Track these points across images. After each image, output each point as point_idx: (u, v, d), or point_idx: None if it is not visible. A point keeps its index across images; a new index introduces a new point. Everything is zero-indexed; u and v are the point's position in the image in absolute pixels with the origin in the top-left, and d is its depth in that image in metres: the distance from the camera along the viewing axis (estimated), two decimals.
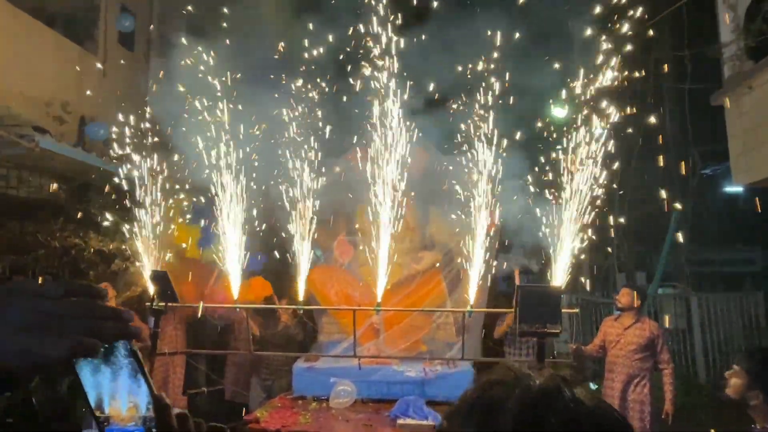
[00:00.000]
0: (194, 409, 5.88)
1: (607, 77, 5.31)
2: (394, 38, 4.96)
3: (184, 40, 5.79)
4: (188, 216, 5.98)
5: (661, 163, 9.44)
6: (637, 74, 6.44)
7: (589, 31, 6.52)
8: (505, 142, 4.94)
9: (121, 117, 5.80)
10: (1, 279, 6.27)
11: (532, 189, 5.29)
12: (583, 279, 9.40)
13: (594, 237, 4.55)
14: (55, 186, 6.95)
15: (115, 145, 5.56)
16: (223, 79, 5.38)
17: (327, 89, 5.92)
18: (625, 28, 6.03)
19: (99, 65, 8.26)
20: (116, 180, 5.36)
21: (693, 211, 11.94)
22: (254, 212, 5.20)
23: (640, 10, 6.02)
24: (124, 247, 6.20)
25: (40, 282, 0.57)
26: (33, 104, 6.96)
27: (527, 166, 5.32)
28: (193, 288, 6.03)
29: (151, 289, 4.35)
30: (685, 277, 11.22)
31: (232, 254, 5.04)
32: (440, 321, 5.92)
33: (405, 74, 5.07)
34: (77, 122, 7.72)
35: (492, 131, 4.75)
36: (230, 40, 5.90)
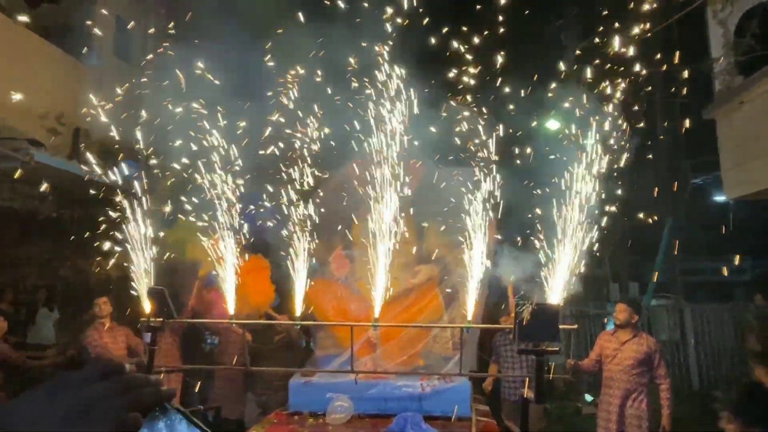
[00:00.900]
0: None
1: (602, 89, 5.39)
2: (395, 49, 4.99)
3: (177, 53, 5.80)
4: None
5: (654, 175, 9.57)
6: (630, 89, 6.54)
7: (581, 45, 6.62)
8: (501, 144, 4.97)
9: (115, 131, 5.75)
10: None
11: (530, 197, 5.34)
12: (577, 289, 9.45)
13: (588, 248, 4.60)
14: (50, 199, 6.91)
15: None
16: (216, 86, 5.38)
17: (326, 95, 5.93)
18: (617, 43, 6.14)
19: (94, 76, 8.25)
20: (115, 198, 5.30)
21: (685, 221, 12.08)
22: (245, 228, 5.15)
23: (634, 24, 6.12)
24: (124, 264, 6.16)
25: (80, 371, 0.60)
26: (28, 116, 6.93)
27: (525, 181, 5.36)
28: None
29: (147, 305, 4.32)
30: (677, 287, 11.32)
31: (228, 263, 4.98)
32: (437, 335, 5.92)
33: (403, 85, 5.10)
34: (72, 134, 7.69)
35: (491, 144, 4.78)
36: (226, 51, 5.92)
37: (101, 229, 6.36)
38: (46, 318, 7.31)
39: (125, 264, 4.91)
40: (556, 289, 3.91)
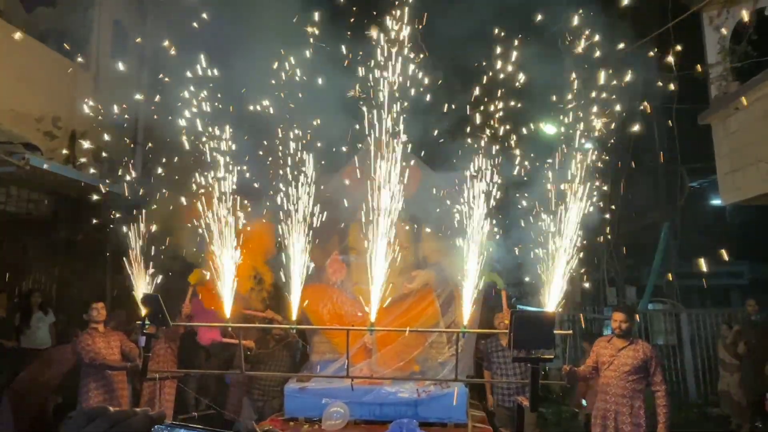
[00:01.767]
0: None
1: (601, 97, 5.41)
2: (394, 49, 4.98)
3: (176, 54, 5.80)
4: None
5: (651, 180, 9.59)
6: (628, 96, 6.57)
7: (579, 50, 6.64)
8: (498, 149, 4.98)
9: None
10: None
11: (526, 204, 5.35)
12: (573, 294, 9.46)
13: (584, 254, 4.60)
14: (45, 202, 6.89)
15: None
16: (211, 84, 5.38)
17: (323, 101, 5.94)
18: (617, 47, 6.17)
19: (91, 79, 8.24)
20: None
21: (681, 225, 12.10)
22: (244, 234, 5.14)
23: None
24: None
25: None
26: (24, 120, 6.91)
27: (522, 188, 5.37)
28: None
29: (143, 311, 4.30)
30: (674, 292, 11.33)
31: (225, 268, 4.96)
32: (433, 340, 5.91)
33: (400, 90, 5.10)
34: (68, 137, 7.67)
35: (488, 153, 4.78)
36: (224, 54, 5.93)
37: (98, 233, 6.35)
38: (40, 322, 7.27)
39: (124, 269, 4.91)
40: (552, 296, 3.91)
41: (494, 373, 5.82)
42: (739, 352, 7.36)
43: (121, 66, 7.92)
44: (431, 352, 5.83)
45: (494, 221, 4.82)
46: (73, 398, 5.34)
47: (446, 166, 6.29)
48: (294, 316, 4.56)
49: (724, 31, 7.30)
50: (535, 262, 4.13)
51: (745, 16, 6.72)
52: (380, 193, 4.34)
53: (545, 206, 4.37)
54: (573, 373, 4.64)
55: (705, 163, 9.17)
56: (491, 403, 5.92)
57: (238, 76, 6.02)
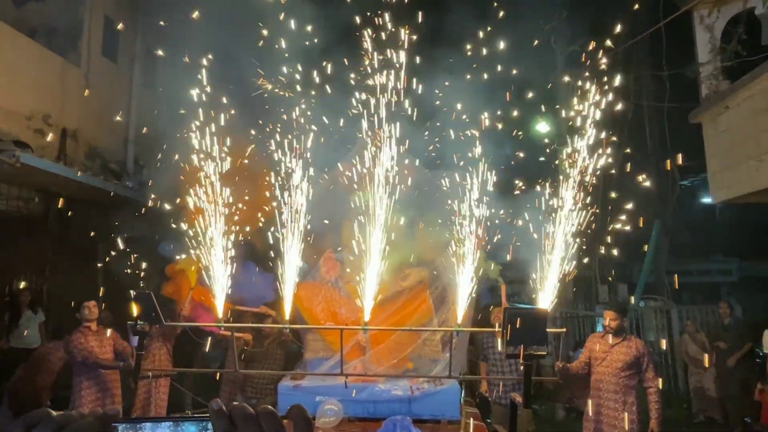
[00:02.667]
0: None
1: (592, 97, 5.42)
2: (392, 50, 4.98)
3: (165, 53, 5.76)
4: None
5: (642, 177, 9.63)
6: (620, 93, 6.60)
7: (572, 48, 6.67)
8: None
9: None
10: None
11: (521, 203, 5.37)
12: (565, 292, 9.51)
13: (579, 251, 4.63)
14: (36, 200, 6.83)
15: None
16: (208, 87, 5.34)
17: (316, 101, 5.92)
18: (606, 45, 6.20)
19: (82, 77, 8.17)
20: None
21: (672, 222, 12.21)
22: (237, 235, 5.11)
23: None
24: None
25: None
26: (13, 117, 6.84)
27: (515, 185, 5.39)
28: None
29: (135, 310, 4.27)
30: (665, 289, 11.43)
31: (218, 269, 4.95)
32: (426, 337, 5.93)
33: (394, 92, 5.10)
34: (59, 135, 7.60)
35: (480, 151, 4.80)
36: (216, 53, 5.88)
37: (89, 231, 6.30)
38: (30, 321, 7.20)
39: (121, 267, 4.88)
40: (546, 294, 3.94)
41: (490, 370, 5.85)
42: (706, 361, 7.49)
43: (112, 62, 7.85)
44: (425, 350, 5.85)
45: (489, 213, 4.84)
46: (66, 397, 5.30)
47: (441, 165, 6.31)
48: (287, 316, 4.56)
49: (714, 30, 7.37)
50: (529, 260, 4.15)
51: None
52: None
53: (540, 206, 4.39)
54: (566, 370, 4.67)
55: (696, 161, 9.26)
56: (484, 388, 5.96)
57: (231, 77, 5.99)
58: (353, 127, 5.24)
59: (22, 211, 7.24)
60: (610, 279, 11.69)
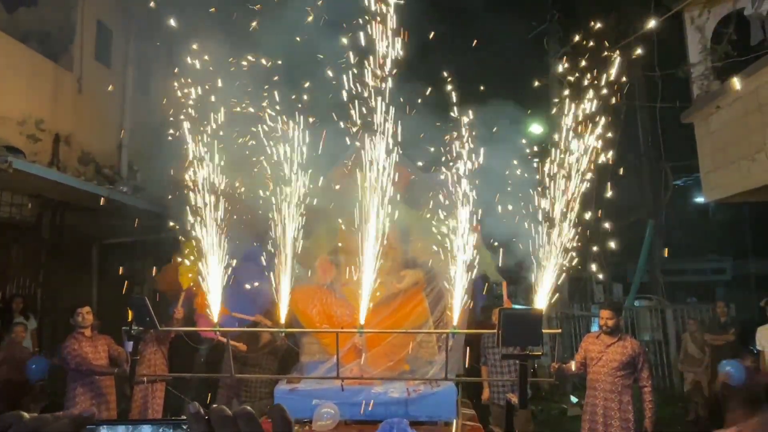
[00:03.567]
0: None
1: (585, 98, 5.45)
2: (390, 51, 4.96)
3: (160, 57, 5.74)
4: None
5: (636, 178, 9.71)
6: (612, 94, 6.63)
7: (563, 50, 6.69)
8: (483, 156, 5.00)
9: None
10: None
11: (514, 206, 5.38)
12: (561, 292, 9.54)
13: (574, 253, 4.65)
14: (29, 206, 6.79)
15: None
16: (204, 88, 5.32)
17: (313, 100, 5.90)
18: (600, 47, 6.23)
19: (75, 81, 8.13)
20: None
21: (666, 222, 12.28)
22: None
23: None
24: None
25: None
26: (6, 123, 6.81)
27: (509, 185, 5.39)
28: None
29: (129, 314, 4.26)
30: (660, 288, 11.48)
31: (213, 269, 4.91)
32: (422, 339, 5.93)
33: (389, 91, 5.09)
34: (52, 140, 7.56)
35: (473, 151, 4.80)
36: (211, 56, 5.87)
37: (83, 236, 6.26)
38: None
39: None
40: (542, 294, 3.95)
41: (490, 371, 5.86)
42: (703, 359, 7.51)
43: (105, 66, 7.82)
44: (421, 351, 5.85)
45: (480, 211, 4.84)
46: (60, 404, 5.27)
47: (435, 165, 6.31)
48: (282, 320, 4.55)
49: (705, 31, 7.43)
50: (526, 259, 4.16)
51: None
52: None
53: (536, 206, 4.40)
54: (561, 371, 4.69)
55: (689, 161, 9.32)
56: (487, 396, 5.95)
57: (225, 80, 5.97)
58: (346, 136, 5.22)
59: (15, 216, 7.19)
60: (601, 277, 11.75)
